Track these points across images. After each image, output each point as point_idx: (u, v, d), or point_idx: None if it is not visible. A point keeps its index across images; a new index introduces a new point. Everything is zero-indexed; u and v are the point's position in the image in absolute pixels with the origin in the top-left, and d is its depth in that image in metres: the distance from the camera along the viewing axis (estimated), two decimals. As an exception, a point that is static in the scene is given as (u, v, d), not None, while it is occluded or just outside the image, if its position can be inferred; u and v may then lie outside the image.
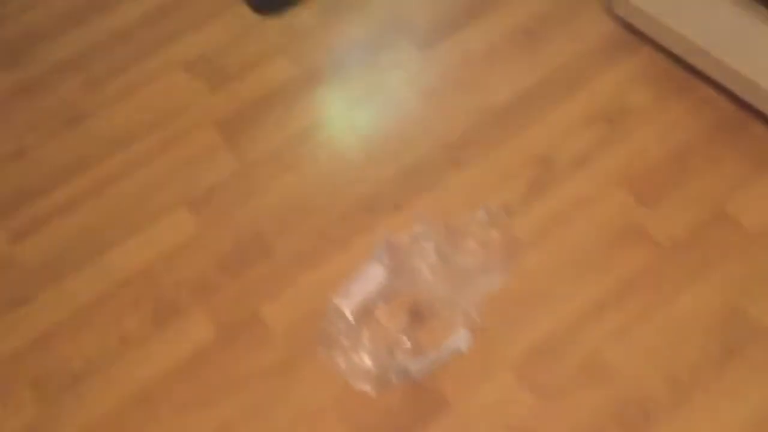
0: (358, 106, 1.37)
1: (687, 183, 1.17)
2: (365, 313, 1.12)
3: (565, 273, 1.12)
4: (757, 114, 1.21)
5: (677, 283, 1.09)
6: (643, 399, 1.01)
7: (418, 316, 1.12)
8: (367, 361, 1.07)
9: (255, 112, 1.40)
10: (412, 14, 1.47)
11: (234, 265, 1.22)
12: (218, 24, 1.56)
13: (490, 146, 1.27)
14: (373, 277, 1.15)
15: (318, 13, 1.53)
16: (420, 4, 1.49)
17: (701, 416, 0.98)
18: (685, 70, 1.29)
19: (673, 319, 1.07)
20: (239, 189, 1.30)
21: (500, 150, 1.27)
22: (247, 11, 1.57)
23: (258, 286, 1.19)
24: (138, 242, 1.28)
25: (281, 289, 1.19)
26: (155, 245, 1.27)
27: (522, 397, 1.04)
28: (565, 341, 1.07)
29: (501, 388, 1.05)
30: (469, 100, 1.33)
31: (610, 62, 1.33)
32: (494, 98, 1.32)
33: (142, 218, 1.30)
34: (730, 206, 1.14)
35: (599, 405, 1.02)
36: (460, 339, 1.08)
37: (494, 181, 1.23)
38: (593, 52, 1.35)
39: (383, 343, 1.09)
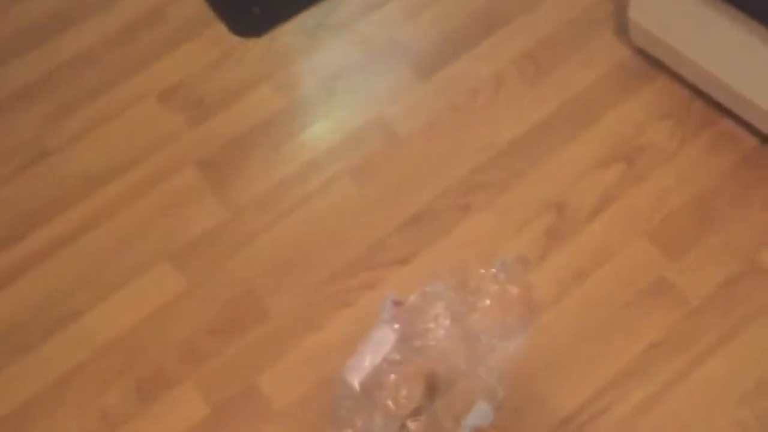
0: (353, 144, 1.26)
1: (714, 231, 1.11)
2: (376, 386, 1.03)
3: (588, 336, 1.05)
4: (783, 152, 1.15)
5: (708, 345, 1.03)
6: (679, 477, 0.95)
7: (433, 387, 1.03)
8: (379, 442, 0.99)
9: (240, 149, 1.29)
10: (410, 37, 1.36)
11: (226, 329, 1.12)
12: (194, 47, 1.43)
13: (500, 189, 1.19)
14: (381, 343, 1.05)
15: (304, 34, 1.41)
16: (418, 26, 1.37)
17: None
18: (705, 102, 1.21)
19: (706, 384, 1.01)
20: (227, 240, 1.20)
21: (511, 194, 1.18)
22: (225, 32, 1.44)
23: (254, 353, 1.10)
24: (117, 302, 1.16)
25: (280, 356, 1.09)
26: (137, 306, 1.15)
27: (550, 478, 0.97)
28: (592, 415, 1.00)
29: (527, 469, 0.98)
30: (475, 136, 1.24)
31: (624, 93, 1.24)
32: (502, 134, 1.23)
33: (120, 274, 1.18)
34: (761, 256, 1.08)
35: (633, 485, 0.95)
36: (479, 414, 1.00)
37: (507, 229, 1.15)
38: (606, 81, 1.26)
39: (396, 424, 1.00)
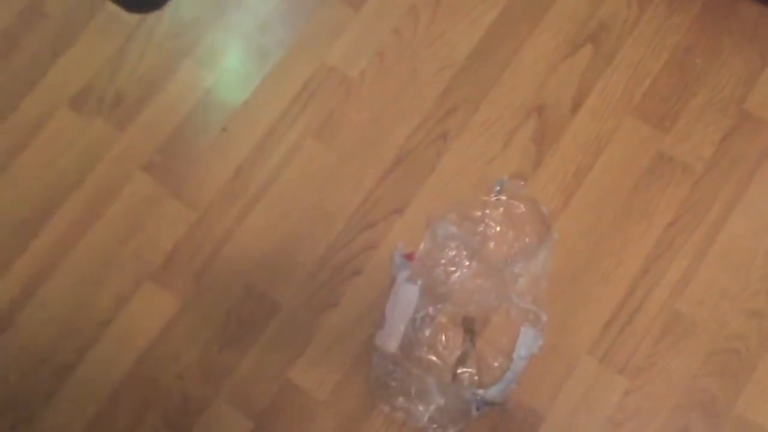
0: (306, 102, 1.17)
1: (696, 91, 1.10)
2: (415, 346, 1.01)
3: (606, 232, 1.05)
4: (740, -8, 1.14)
5: (723, 206, 1.04)
6: (732, 341, 0.98)
7: (471, 329, 1.02)
8: (438, 401, 0.97)
9: (184, 141, 1.18)
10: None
11: (238, 335, 1.06)
12: (90, 38, 1.28)
13: (473, 108, 1.14)
14: (407, 302, 1.03)
15: (206, -7, 1.28)
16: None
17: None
18: (649, -41, 1.18)
19: (732, 245, 1.03)
20: (205, 243, 1.11)
21: (485, 109, 1.13)
22: (119, 12, 1.29)
23: (276, 350, 1.05)
24: (110, 341, 1.08)
25: (304, 345, 1.05)
26: (133, 339, 1.08)
27: (612, 381, 0.99)
28: (633, 308, 1.01)
29: (587, 380, 0.99)
30: (429, 58, 1.17)
31: (567, -30, 1.19)
32: (457, 48, 1.17)
33: (103, 310, 1.09)
34: (748, 104, 1.09)
35: (690, 364, 0.98)
36: (528, 341, 1.00)
37: (493, 147, 1.11)
38: (545, -38, 1.20)
39: (448, 377, 0.99)
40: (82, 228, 1.15)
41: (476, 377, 0.99)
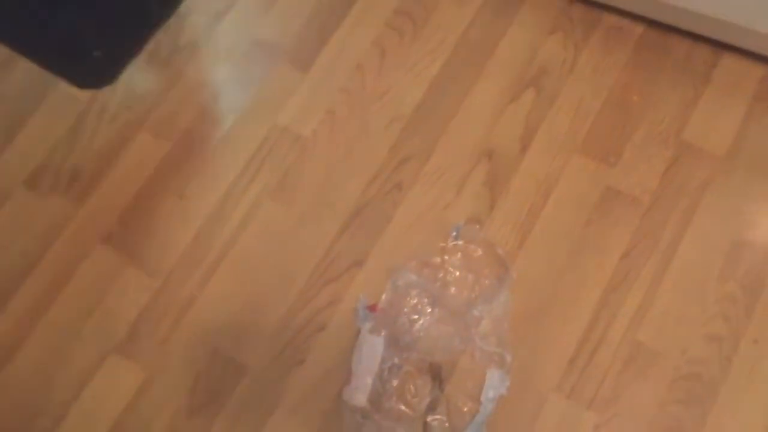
0: (261, 163, 1.21)
1: (636, 125, 1.16)
2: (384, 397, 1.02)
3: (562, 269, 1.08)
4: (669, 29, 1.20)
5: (672, 235, 1.08)
6: (693, 366, 1.01)
7: (439, 376, 1.04)
8: (411, 451, 0.99)
9: (142, 210, 1.21)
10: (273, 33, 1.30)
11: (206, 401, 1.07)
12: (44, 117, 1.31)
13: (425, 157, 1.18)
14: (372, 354, 1.04)
15: (160, 65, 1.32)
16: (276, 19, 1.31)
17: (757, 367, 1.00)
18: (581, 4, 1.25)
19: (685, 271, 1.07)
20: (168, 311, 1.13)
21: (437, 158, 1.18)
22: (72, 90, 1.32)
23: (246, 414, 1.06)
24: (75, 419, 1.08)
25: (274, 405, 1.06)
26: (98, 415, 1.08)
27: (581, 417, 1.01)
28: (595, 342, 1.04)
29: (557, 417, 1.01)
30: (379, 113, 1.22)
31: (505, 19, 1.26)
32: (404, 101, 1.22)
33: (66, 389, 1.10)
34: (686, 135, 1.14)
35: (656, 392, 1.01)
36: (495, 383, 1.02)
37: (446, 194, 1.15)
38: (483, 13, 1.26)
39: (419, 426, 1.00)
40: (43, 307, 1.15)
41: (447, 423, 1.01)
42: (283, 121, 1.23)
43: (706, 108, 1.15)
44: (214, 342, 1.10)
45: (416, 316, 1.06)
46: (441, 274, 1.09)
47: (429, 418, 1.01)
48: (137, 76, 1.33)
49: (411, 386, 1.03)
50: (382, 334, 1.04)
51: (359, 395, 1.02)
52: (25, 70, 1.35)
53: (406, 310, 1.06)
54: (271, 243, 1.15)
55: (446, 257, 1.10)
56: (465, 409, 1.01)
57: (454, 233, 1.11)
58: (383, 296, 1.08)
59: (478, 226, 1.11)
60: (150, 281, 1.15)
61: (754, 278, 1.04)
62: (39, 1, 0.94)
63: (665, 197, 1.10)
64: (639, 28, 1.22)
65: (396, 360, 1.04)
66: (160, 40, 1.33)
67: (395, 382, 1.03)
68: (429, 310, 1.06)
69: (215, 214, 1.18)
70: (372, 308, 1.07)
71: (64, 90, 1.33)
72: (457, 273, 1.09)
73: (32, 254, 1.19)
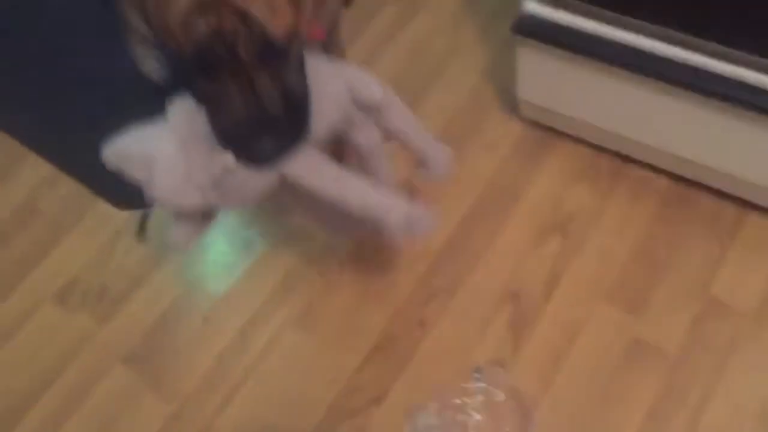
0: (286, 291, 1.24)
1: (664, 277, 1.17)
2: None
3: (587, 419, 1.07)
4: (695, 185, 1.24)
5: (702, 392, 1.07)
6: None
7: None
8: None
9: (165, 332, 1.23)
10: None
11: None
12: (81, 232, 1.36)
13: (449, 295, 1.20)
14: (387, 498, 1.02)
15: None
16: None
17: None
18: (609, 155, 1.30)
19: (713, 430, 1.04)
20: (182, 437, 1.12)
21: (461, 296, 1.20)
22: (110, 209, 1.38)
23: None
24: None
25: None
26: None
27: None
28: (621, 499, 1.01)
29: None
30: (408, 252, 1.25)
31: (533, 166, 1.31)
32: (434, 239, 1.25)
33: None
34: (714, 290, 1.15)
35: None
36: None
37: (470, 334, 1.16)
38: (514, 158, 1.32)
39: None
40: (57, 425, 1.15)
41: None
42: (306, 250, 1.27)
43: (733, 263, 1.17)
44: (225, 473, 1.09)
45: (434, 461, 1.04)
46: (461, 417, 1.07)
47: None
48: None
49: None
50: (399, 477, 1.02)
51: None
52: (68, 188, 1.43)
53: (424, 453, 1.04)
54: (291, 372, 1.17)
55: (467, 400, 1.08)
56: None
57: (477, 375, 1.10)
58: (401, 437, 1.06)
59: (501, 369, 1.11)
60: (165, 406, 1.16)
61: (786, 442, 1.02)
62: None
63: (693, 352, 1.10)
64: (665, 181, 1.26)
65: (411, 506, 1.01)
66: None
67: None
68: (447, 453, 1.04)
69: (237, 339, 1.21)
70: (389, 449, 1.06)
71: (102, 209, 1.39)
72: (478, 417, 1.07)
73: (52, 369, 1.21)
